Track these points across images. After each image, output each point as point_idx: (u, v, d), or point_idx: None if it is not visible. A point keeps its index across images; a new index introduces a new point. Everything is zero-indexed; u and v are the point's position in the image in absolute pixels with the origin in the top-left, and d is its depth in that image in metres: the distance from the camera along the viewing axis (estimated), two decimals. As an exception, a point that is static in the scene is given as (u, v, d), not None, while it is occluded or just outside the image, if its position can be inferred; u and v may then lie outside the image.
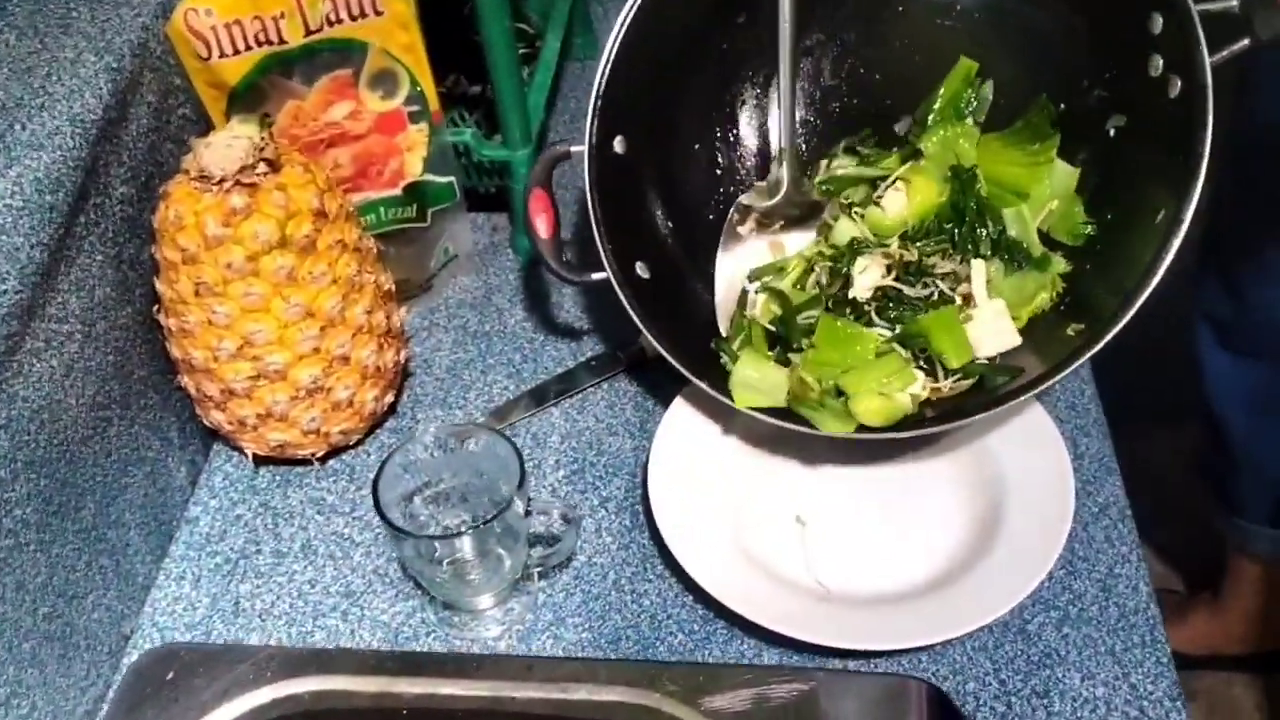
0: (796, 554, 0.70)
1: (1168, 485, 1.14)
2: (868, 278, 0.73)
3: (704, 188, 0.84)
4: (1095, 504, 0.74)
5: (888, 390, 0.68)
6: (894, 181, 0.76)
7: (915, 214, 0.75)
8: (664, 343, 0.73)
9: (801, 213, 0.80)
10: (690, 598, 0.71)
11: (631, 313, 0.74)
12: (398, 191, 0.86)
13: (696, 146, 0.84)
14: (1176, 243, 0.64)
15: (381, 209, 0.86)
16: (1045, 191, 0.75)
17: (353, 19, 0.77)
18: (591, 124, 0.74)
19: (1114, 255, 0.71)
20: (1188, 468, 1.36)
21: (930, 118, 0.79)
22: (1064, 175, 0.74)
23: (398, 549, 0.71)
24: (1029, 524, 0.69)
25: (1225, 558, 1.36)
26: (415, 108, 0.83)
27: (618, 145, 0.76)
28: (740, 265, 0.80)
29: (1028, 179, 0.75)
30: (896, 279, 0.73)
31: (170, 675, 0.57)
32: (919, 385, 0.70)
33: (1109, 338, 0.65)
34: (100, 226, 0.69)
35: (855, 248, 0.75)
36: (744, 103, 0.85)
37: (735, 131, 0.85)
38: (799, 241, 0.80)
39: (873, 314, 0.73)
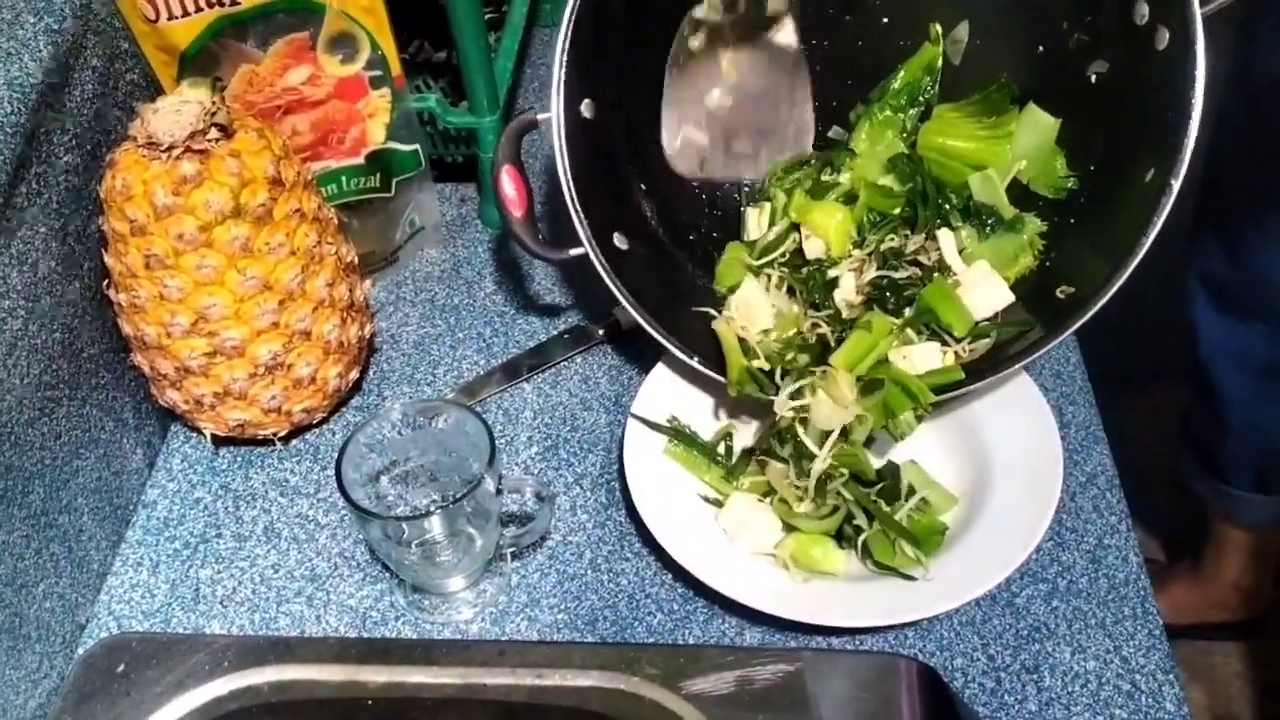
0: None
1: (1145, 451, 1.12)
2: (847, 285, 0.71)
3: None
4: (1082, 473, 0.72)
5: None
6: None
7: (845, 229, 0.73)
8: (647, 316, 0.71)
9: (756, 25, 0.78)
10: (669, 576, 0.68)
11: (613, 287, 0.71)
12: (360, 160, 0.83)
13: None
14: (1167, 205, 0.62)
15: (343, 178, 0.83)
16: (1007, 159, 0.73)
17: (308, -22, 0.73)
18: (557, 88, 0.70)
19: (1102, 212, 0.69)
20: (1168, 434, 1.35)
21: (872, 108, 0.77)
22: (1044, 126, 0.72)
23: (364, 531, 0.68)
24: (1016, 495, 0.67)
25: (1207, 525, 1.35)
26: (376, 72, 0.80)
27: (585, 110, 0.72)
28: (690, 88, 0.78)
29: (985, 153, 0.73)
30: (880, 269, 0.70)
31: (122, 667, 0.54)
32: (939, 355, 0.68)
33: (1101, 303, 0.63)
34: (43, 197, 0.65)
35: (821, 265, 0.73)
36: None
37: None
38: (749, 60, 0.79)
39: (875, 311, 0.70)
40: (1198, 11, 0.61)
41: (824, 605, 0.63)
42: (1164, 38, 0.63)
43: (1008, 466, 0.69)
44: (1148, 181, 0.63)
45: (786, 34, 0.78)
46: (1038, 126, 0.72)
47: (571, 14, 0.69)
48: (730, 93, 0.80)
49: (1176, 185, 0.62)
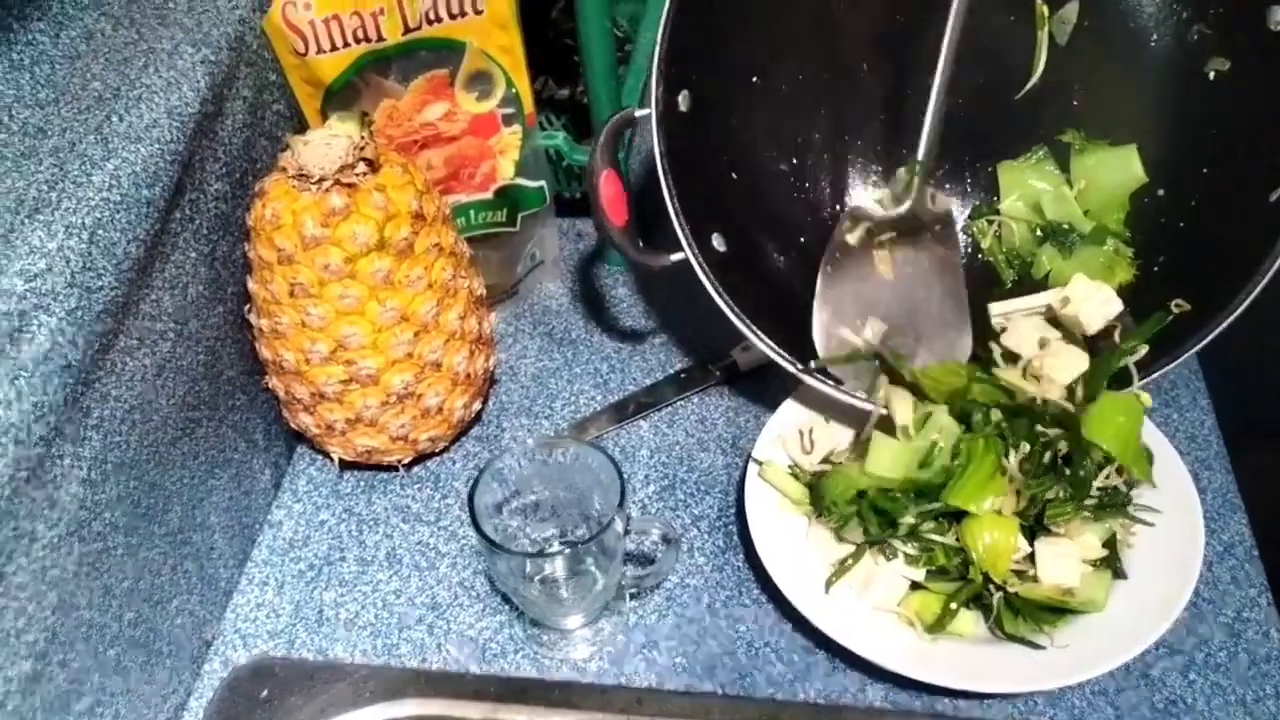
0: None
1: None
2: None
3: (778, 146, 0.80)
4: (1220, 542, 0.70)
5: None
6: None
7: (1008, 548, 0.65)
8: (748, 321, 0.69)
9: (920, 225, 0.76)
10: (788, 626, 0.68)
11: (710, 288, 0.69)
12: (489, 195, 0.84)
13: (767, 97, 0.78)
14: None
15: (472, 212, 0.85)
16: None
17: (452, 17, 0.75)
18: (658, 79, 0.68)
19: (1218, 232, 0.67)
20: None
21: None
22: (1130, 172, 0.71)
23: (490, 563, 0.69)
24: (1154, 563, 0.65)
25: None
26: (510, 110, 0.81)
27: (682, 102, 0.71)
28: (845, 287, 0.75)
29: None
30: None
31: (265, 692, 0.55)
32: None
33: (1222, 327, 0.62)
34: (195, 223, 0.67)
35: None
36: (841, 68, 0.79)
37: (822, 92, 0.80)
38: (909, 261, 0.76)
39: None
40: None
41: (953, 667, 0.62)
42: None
43: (1144, 533, 0.67)
44: (1272, 200, 0.62)
45: (950, 239, 0.76)
46: (1125, 167, 0.71)
47: (672, 5, 0.68)
48: (887, 294, 0.76)
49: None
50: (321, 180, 0.66)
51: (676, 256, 0.70)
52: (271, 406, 0.77)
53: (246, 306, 0.72)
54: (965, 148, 0.79)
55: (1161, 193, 0.73)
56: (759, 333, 0.70)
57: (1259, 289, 0.62)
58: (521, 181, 0.85)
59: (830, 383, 0.71)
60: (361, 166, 0.67)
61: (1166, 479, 0.68)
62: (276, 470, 0.79)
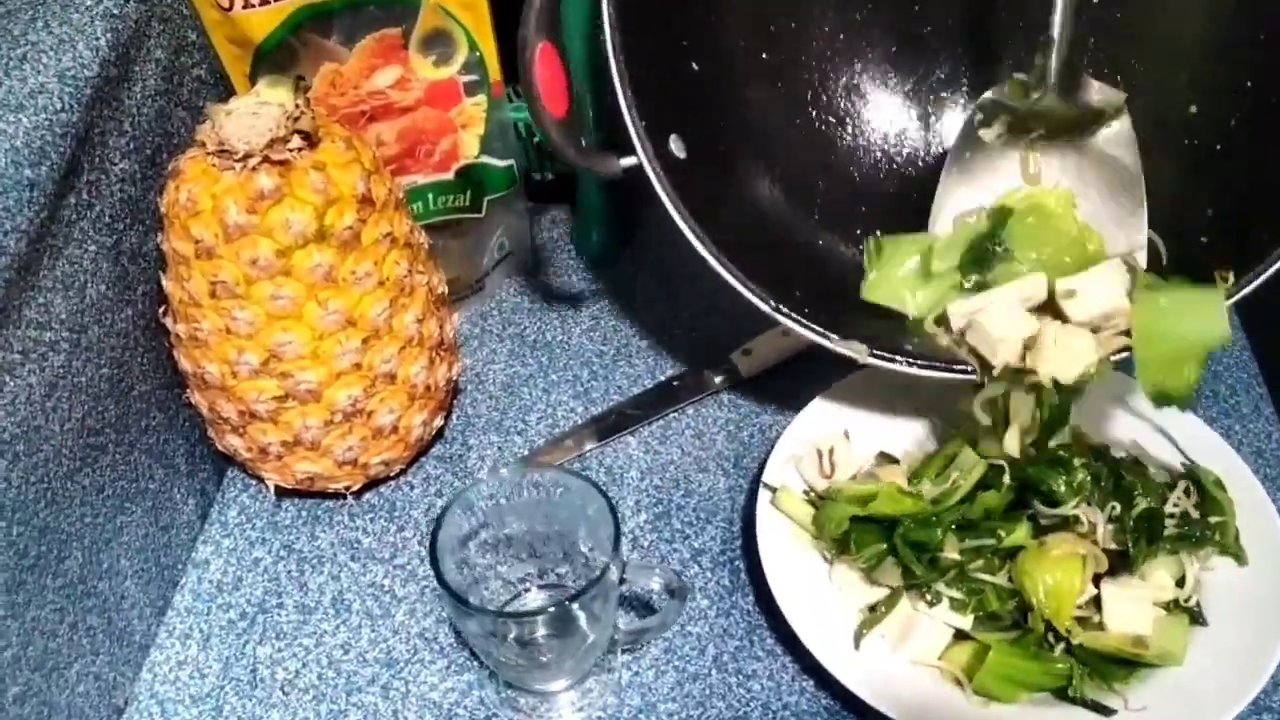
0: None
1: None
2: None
3: (754, 31, 0.68)
4: (1302, 576, 0.61)
5: None
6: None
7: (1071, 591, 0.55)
8: (711, 246, 0.59)
9: (1073, 120, 0.61)
10: (810, 683, 0.58)
11: (666, 200, 0.59)
12: (449, 175, 0.74)
13: None
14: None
15: (429, 195, 0.74)
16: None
17: (404, -34, 0.64)
18: None
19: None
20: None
21: None
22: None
23: (459, 624, 0.58)
24: (1236, 605, 0.56)
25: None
26: (473, 77, 0.70)
27: None
28: (976, 187, 0.63)
29: None
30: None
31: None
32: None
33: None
34: (95, 209, 0.56)
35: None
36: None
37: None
38: (1061, 165, 0.62)
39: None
40: None
41: (1010, 737, 0.52)
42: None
43: (1221, 570, 0.57)
44: None
45: (1119, 141, 0.61)
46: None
47: None
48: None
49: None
50: (247, 157, 0.55)
51: (628, 161, 0.59)
52: (196, 425, 0.66)
53: (162, 309, 0.61)
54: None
55: (1195, 111, 0.63)
56: (725, 262, 0.59)
57: None
58: (487, 160, 0.74)
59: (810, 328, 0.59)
60: (296, 141, 0.56)
61: (1242, 504, 0.59)
62: (203, 499, 0.67)
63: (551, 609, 0.51)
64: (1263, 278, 0.56)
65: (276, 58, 0.66)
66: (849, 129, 0.71)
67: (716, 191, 0.63)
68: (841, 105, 0.71)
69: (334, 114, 0.68)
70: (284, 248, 0.56)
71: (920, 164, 0.71)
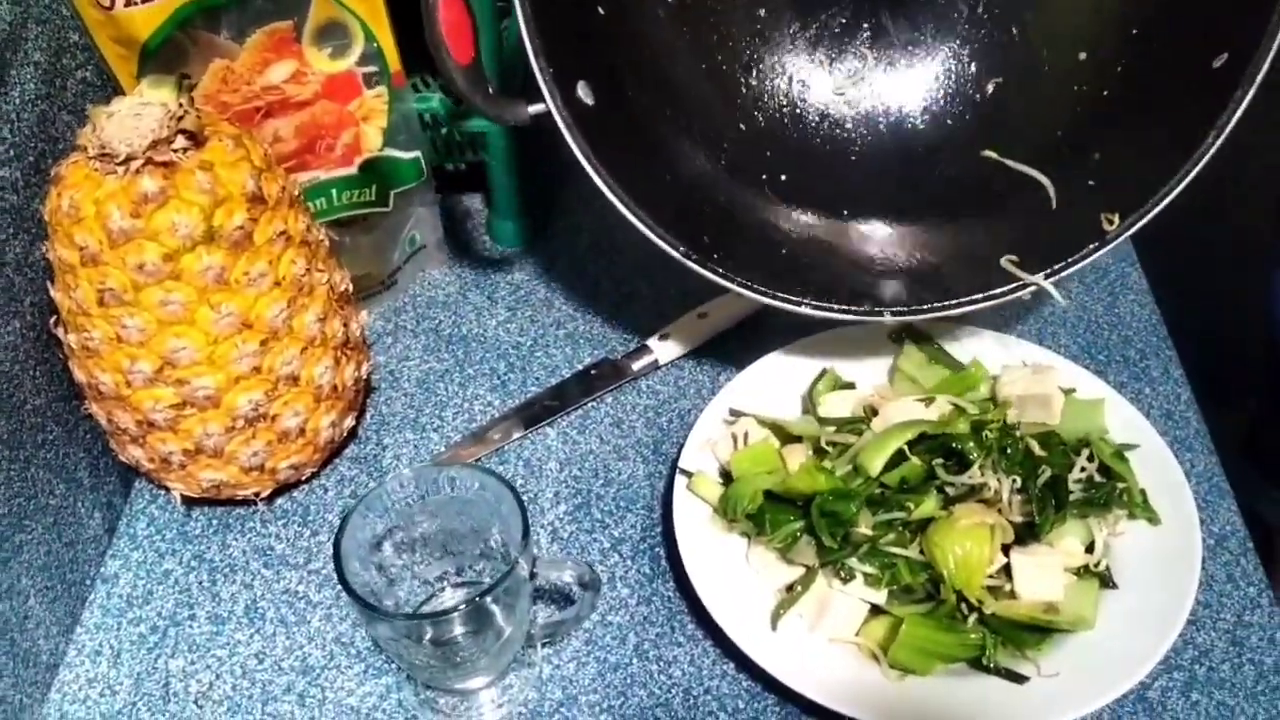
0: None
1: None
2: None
3: None
4: (1210, 534, 0.61)
5: None
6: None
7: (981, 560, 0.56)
8: (621, 194, 0.59)
9: None
10: (731, 666, 0.58)
11: (575, 149, 0.59)
12: (352, 170, 0.72)
13: None
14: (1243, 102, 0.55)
15: (333, 191, 0.72)
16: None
17: (291, -43, 0.62)
18: None
19: (1153, 110, 0.61)
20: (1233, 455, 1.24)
21: None
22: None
23: (367, 626, 0.57)
24: (1146, 568, 0.56)
25: (1275, 548, 1.25)
26: (372, 69, 0.69)
27: None
28: None
29: None
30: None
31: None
32: None
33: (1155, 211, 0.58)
34: (-27, 220, 0.54)
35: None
36: None
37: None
38: None
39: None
40: None
41: (924, 709, 0.52)
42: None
43: (1130, 533, 0.58)
44: (1216, 68, 0.56)
45: None
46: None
47: None
48: None
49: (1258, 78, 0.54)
50: (129, 160, 0.53)
51: (536, 108, 0.59)
52: (99, 437, 0.64)
53: (53, 319, 0.59)
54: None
55: (1083, 57, 0.65)
56: (635, 209, 0.60)
57: (1202, 163, 0.57)
58: (391, 153, 0.73)
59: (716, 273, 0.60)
60: (180, 141, 0.55)
61: (1149, 467, 0.60)
62: (109, 512, 0.66)
63: (461, 607, 0.50)
64: (1144, 220, 0.59)
65: (164, 56, 0.63)
66: (753, 75, 0.71)
67: (625, 140, 0.63)
68: (745, 52, 0.71)
69: (227, 111, 0.66)
70: (171, 251, 0.54)
71: (823, 113, 0.72)
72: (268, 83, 0.67)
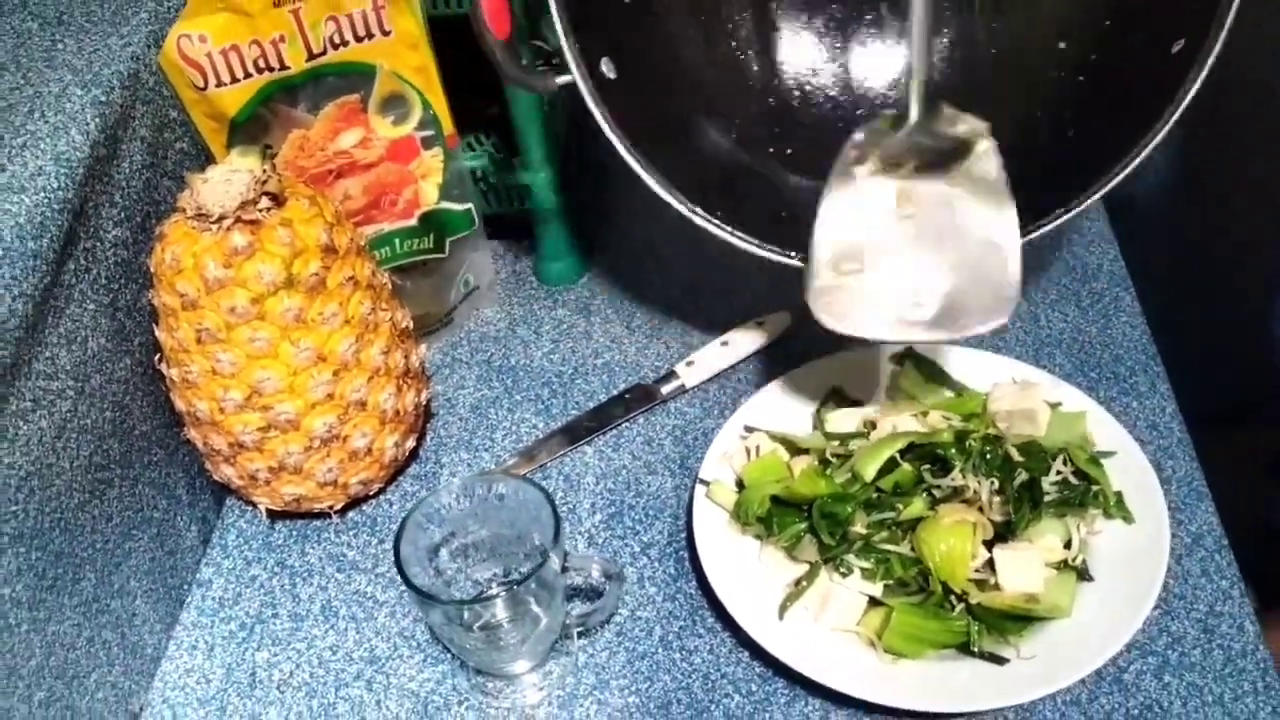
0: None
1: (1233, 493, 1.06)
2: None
3: None
4: (1188, 534, 0.67)
5: None
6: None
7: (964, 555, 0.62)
8: (638, 156, 0.66)
9: (941, 151, 0.65)
10: (745, 654, 0.64)
11: (595, 112, 0.65)
12: (413, 222, 0.81)
13: None
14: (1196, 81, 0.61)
15: (396, 241, 0.81)
16: None
17: (358, 40, 0.72)
18: None
19: (1120, 84, 0.68)
20: (1262, 471, 1.27)
21: None
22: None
23: (424, 614, 0.65)
24: (1120, 561, 0.62)
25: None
26: (429, 132, 0.78)
27: None
28: (852, 222, 0.65)
29: None
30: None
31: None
32: None
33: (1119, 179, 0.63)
34: (92, 273, 0.64)
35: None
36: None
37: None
38: (933, 196, 0.65)
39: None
40: None
41: (917, 688, 0.59)
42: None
43: (1108, 531, 0.64)
44: (1174, 54, 0.62)
45: (986, 161, 0.64)
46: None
47: None
48: (910, 240, 0.65)
49: (1209, 61, 0.60)
50: (222, 219, 0.63)
51: (564, 79, 0.66)
52: (195, 458, 0.73)
53: (157, 356, 0.69)
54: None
55: (1063, 46, 0.72)
56: (649, 167, 0.66)
57: (1159, 137, 0.63)
58: (446, 205, 0.82)
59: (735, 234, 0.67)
60: (265, 201, 0.64)
61: (1127, 472, 0.66)
62: (204, 526, 0.75)
63: (501, 595, 0.58)
64: (1106, 188, 0.65)
65: (249, 128, 0.73)
66: (765, 61, 0.79)
67: (642, 111, 0.69)
68: (757, 40, 0.78)
69: (304, 175, 0.76)
70: (258, 295, 0.63)
71: (829, 95, 0.79)
72: (339, 148, 0.76)
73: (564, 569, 0.60)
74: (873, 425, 0.69)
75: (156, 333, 0.67)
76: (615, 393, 0.81)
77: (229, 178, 0.65)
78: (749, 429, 0.71)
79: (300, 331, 0.65)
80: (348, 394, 0.68)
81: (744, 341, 0.81)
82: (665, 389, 0.80)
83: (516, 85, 0.68)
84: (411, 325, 0.75)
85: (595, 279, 0.91)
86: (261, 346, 0.64)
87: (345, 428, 0.69)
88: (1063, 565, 0.62)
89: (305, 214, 0.65)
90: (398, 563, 0.58)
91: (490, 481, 0.63)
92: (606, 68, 0.68)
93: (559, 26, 0.65)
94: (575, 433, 0.79)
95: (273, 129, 0.74)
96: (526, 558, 0.66)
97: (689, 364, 0.81)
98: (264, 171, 0.65)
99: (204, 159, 0.75)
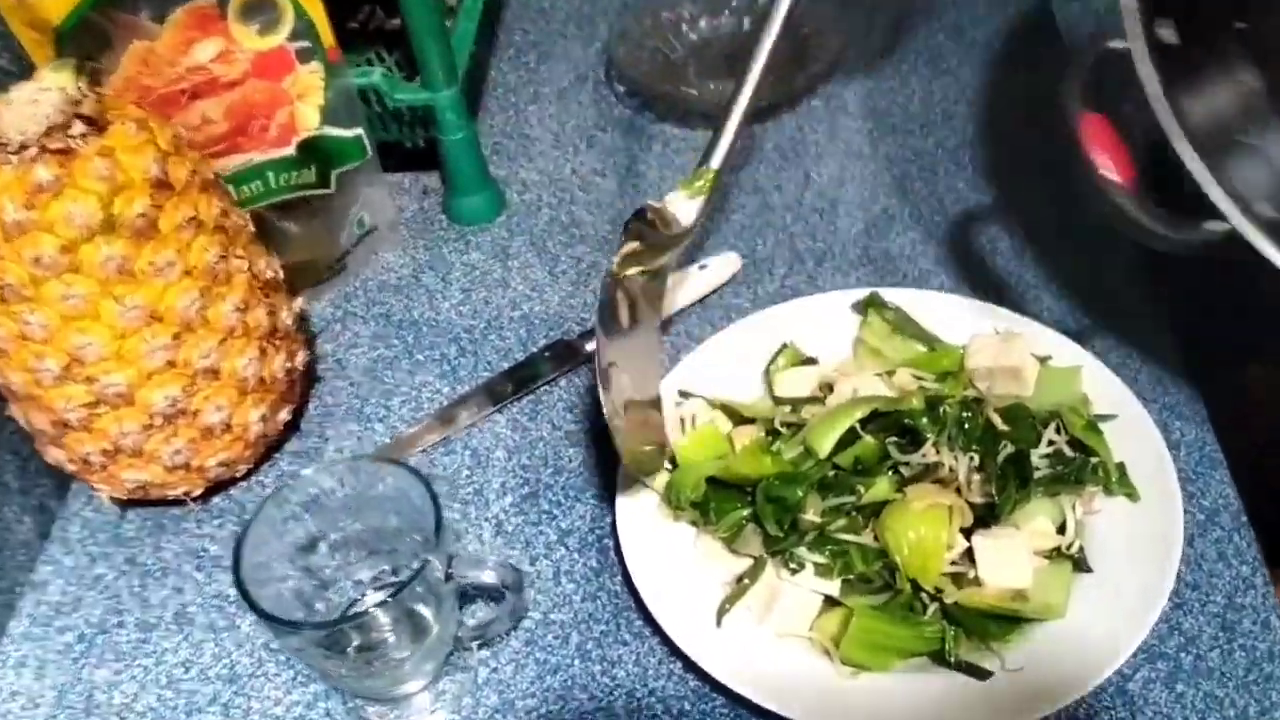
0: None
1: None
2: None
3: None
4: (1201, 509, 0.57)
5: None
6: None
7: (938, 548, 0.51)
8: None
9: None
10: (677, 664, 0.54)
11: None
12: (290, 150, 0.69)
13: None
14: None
15: (270, 173, 0.69)
16: None
17: (208, -72, 0.59)
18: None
19: None
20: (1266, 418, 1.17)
21: None
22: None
23: (280, 643, 0.54)
24: (1124, 548, 0.52)
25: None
26: (304, 44, 0.66)
27: (1166, 33, 0.51)
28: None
29: None
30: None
31: None
32: None
33: None
34: None
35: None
36: None
37: None
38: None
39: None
40: None
41: (879, 709, 0.48)
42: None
43: (1108, 510, 0.54)
44: None
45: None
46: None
47: None
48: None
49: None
50: (24, 148, 0.51)
51: (1218, 226, 0.49)
52: (26, 439, 0.61)
53: (-37, 318, 0.56)
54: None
55: None
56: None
57: None
58: (331, 131, 0.70)
59: None
60: (79, 126, 0.52)
61: (1130, 439, 0.55)
62: (42, 516, 0.63)
63: (369, 610, 0.47)
64: None
65: (80, 38, 0.60)
66: None
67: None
68: None
69: (149, 95, 0.63)
70: (69, 242, 0.51)
71: None
72: (193, 63, 0.64)
73: (448, 576, 0.49)
74: (830, 388, 0.58)
75: (-45, 290, 0.55)
76: (534, 349, 0.69)
77: (36, 98, 0.52)
78: (684, 394, 0.60)
79: (126, 286, 0.53)
80: (194, 360, 0.56)
81: (684, 289, 0.70)
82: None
83: (1153, 244, 0.52)
84: (279, 274, 0.63)
85: (513, 217, 0.79)
86: (77, 305, 0.52)
87: (193, 401, 0.57)
88: (1055, 554, 0.52)
89: (131, 141, 0.53)
90: (237, 578, 0.47)
91: (359, 469, 0.52)
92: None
93: (1194, 168, 0.49)
94: (486, 397, 0.67)
95: (111, 40, 0.62)
96: (415, 554, 0.55)
97: (619, 313, 0.69)
98: (79, 89, 0.52)
99: (28, 78, 0.62)
